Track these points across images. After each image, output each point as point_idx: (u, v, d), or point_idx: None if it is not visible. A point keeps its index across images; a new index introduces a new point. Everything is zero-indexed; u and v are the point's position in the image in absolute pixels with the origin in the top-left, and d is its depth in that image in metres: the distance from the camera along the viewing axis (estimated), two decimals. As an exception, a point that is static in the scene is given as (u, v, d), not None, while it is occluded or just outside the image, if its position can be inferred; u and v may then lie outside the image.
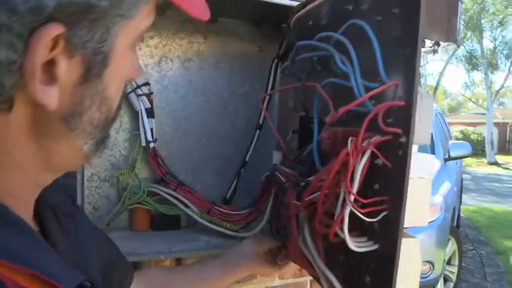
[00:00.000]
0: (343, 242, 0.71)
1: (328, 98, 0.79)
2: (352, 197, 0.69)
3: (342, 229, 0.70)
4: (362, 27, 0.73)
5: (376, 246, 0.71)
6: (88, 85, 0.45)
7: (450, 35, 0.82)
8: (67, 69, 0.43)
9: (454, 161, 5.07)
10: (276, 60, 1.23)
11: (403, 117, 0.66)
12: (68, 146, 0.48)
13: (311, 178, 0.83)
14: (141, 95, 1.20)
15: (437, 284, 3.77)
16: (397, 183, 0.66)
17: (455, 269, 4.34)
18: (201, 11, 0.54)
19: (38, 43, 0.39)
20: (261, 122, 1.30)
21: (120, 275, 0.73)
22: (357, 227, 0.72)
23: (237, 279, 1.06)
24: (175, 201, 1.21)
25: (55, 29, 0.40)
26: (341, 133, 0.75)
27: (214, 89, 1.34)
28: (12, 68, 0.38)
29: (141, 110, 1.20)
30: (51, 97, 0.42)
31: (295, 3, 1.14)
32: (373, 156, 0.70)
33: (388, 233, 0.68)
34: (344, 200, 0.70)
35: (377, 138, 0.69)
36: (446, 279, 4.23)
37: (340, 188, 0.72)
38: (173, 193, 1.21)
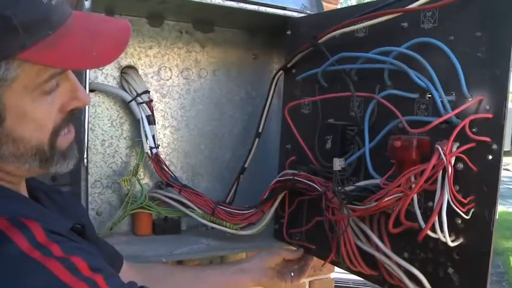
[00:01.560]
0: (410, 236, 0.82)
1: (394, 108, 0.87)
2: (448, 198, 0.77)
3: (434, 229, 0.78)
4: (435, 46, 0.82)
5: (461, 240, 0.80)
6: None
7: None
8: None
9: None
10: (280, 72, 1.25)
11: (493, 127, 0.75)
12: (10, 166, 0.64)
13: (370, 182, 0.93)
14: (141, 103, 1.24)
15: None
16: (488, 184, 0.76)
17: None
18: (97, 58, 0.64)
19: None
20: (260, 130, 1.33)
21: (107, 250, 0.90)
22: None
23: None
24: (177, 205, 1.25)
25: None
26: (417, 141, 0.82)
27: (212, 96, 1.38)
28: None
29: (142, 117, 1.24)
30: None
31: (289, 13, 1.20)
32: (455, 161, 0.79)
33: (477, 227, 0.78)
34: (440, 200, 0.77)
35: (460, 146, 0.78)
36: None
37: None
38: (175, 197, 1.25)
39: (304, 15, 1.21)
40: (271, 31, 1.33)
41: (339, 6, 1.61)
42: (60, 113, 0.65)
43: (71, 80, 0.66)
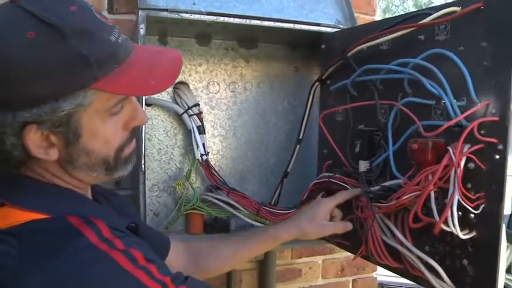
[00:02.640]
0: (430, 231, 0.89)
1: (411, 114, 0.97)
2: (458, 195, 0.85)
3: (447, 223, 0.86)
4: (447, 56, 0.90)
5: (474, 234, 0.87)
6: (71, 146, 0.72)
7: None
8: (55, 139, 0.71)
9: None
10: (317, 83, 1.37)
11: (499, 129, 0.83)
12: (82, 174, 0.77)
13: (393, 182, 1.01)
14: (192, 115, 1.38)
15: None
16: (496, 181, 0.83)
17: (515, 278, 4.27)
18: (155, 86, 0.75)
19: (27, 135, 0.68)
20: (301, 137, 1.44)
21: (155, 237, 1.02)
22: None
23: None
24: (225, 206, 1.37)
25: (32, 127, 0.68)
26: (432, 144, 0.91)
27: (257, 107, 1.51)
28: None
29: (193, 127, 1.38)
30: (52, 154, 0.71)
31: (323, 29, 1.30)
32: (466, 161, 0.87)
33: (487, 222, 0.85)
34: (452, 197, 0.85)
35: (470, 147, 0.86)
36: (506, 288, 4.18)
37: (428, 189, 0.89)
38: (224, 198, 1.37)
39: (337, 30, 1.31)
40: (310, 45, 1.43)
41: (376, 18, 1.68)
42: (124, 130, 0.78)
43: (133, 102, 0.78)
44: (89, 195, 0.85)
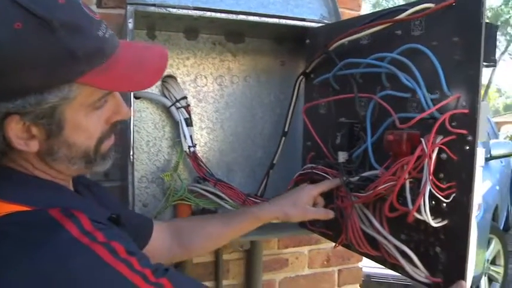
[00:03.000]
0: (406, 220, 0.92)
1: (388, 106, 1.00)
2: (429, 184, 0.89)
3: (420, 211, 0.89)
4: (421, 51, 0.94)
5: (445, 222, 0.91)
6: (52, 139, 0.73)
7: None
8: (37, 131, 0.71)
9: (499, 160, 5.06)
10: (301, 76, 1.40)
11: (469, 121, 0.86)
12: (62, 166, 0.77)
13: (372, 173, 1.04)
14: (180, 107, 1.41)
15: (479, 282, 3.80)
16: (466, 171, 0.87)
17: (500, 269, 4.32)
18: (142, 82, 0.77)
19: (8, 126, 0.69)
20: (286, 129, 1.48)
21: (137, 221, 1.05)
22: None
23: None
24: (212, 197, 1.40)
25: (13, 118, 0.68)
26: (406, 135, 0.94)
27: (244, 100, 1.54)
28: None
29: (180, 120, 1.41)
30: (32, 146, 0.72)
31: (308, 24, 1.33)
32: (438, 152, 0.90)
33: (458, 210, 0.89)
34: (424, 186, 0.89)
35: (443, 138, 0.89)
36: (491, 280, 4.23)
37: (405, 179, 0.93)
38: (211, 189, 1.41)
39: (322, 25, 1.34)
40: (296, 39, 1.46)
41: (364, 12, 1.71)
42: (106, 124, 0.78)
43: (116, 97, 0.79)
44: (70, 186, 0.85)
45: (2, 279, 0.63)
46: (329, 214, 1.16)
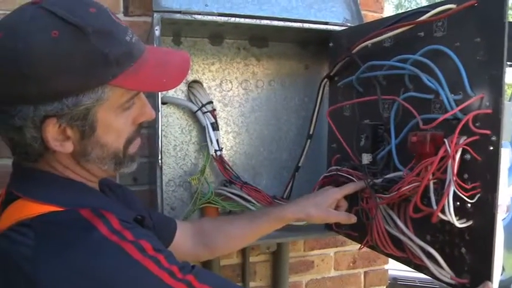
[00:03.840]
0: (430, 221, 0.92)
1: (412, 108, 1.01)
2: (453, 185, 0.89)
3: (444, 212, 0.89)
4: (444, 52, 0.94)
5: (470, 222, 0.90)
6: (86, 140, 0.77)
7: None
8: (71, 132, 0.75)
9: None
10: (325, 79, 1.41)
11: (492, 121, 0.86)
12: (93, 166, 0.81)
13: (396, 174, 1.05)
14: (206, 112, 1.43)
15: (510, 286, 3.72)
16: (490, 172, 0.87)
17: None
18: (167, 83, 0.81)
19: (46, 128, 0.73)
20: (311, 132, 1.49)
21: (160, 221, 1.08)
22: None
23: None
24: (239, 199, 1.42)
25: (51, 121, 0.72)
26: (430, 136, 0.95)
27: (269, 104, 1.56)
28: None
29: (207, 124, 1.44)
30: (67, 147, 0.76)
31: (331, 27, 1.34)
32: (462, 152, 0.91)
33: (482, 210, 0.89)
34: (448, 187, 0.89)
35: (466, 139, 0.90)
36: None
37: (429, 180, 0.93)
38: (237, 192, 1.43)
39: (345, 28, 1.35)
40: (320, 43, 1.47)
41: (388, 14, 1.71)
42: (133, 126, 0.82)
43: (142, 99, 0.83)
44: (97, 188, 0.89)
45: (37, 276, 0.67)
46: (351, 218, 1.17)
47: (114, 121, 0.78)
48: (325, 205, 1.16)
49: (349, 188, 1.19)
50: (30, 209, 0.73)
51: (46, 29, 0.68)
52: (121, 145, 0.82)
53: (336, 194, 1.18)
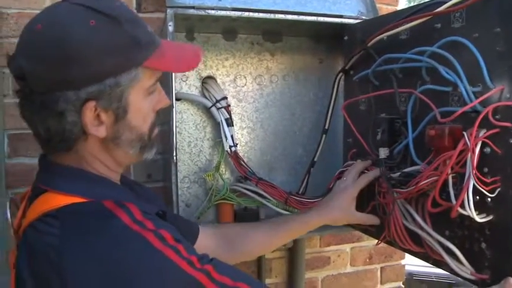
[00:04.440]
0: (449, 216, 0.91)
1: (429, 100, 0.99)
2: (473, 179, 0.87)
3: (463, 206, 0.88)
4: (462, 43, 0.92)
5: (491, 217, 0.89)
6: (119, 122, 0.81)
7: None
8: (106, 117, 0.79)
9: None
10: (341, 73, 1.40)
11: None
12: (121, 151, 0.85)
13: (413, 168, 1.03)
14: (220, 108, 1.43)
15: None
16: (511, 166, 0.85)
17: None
18: (188, 64, 0.89)
19: (85, 111, 0.77)
20: (326, 127, 1.48)
21: (184, 224, 1.08)
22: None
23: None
24: (255, 195, 1.42)
25: (90, 104, 0.77)
26: (448, 130, 0.93)
27: (283, 99, 1.55)
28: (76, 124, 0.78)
29: (221, 120, 1.43)
30: (101, 131, 0.80)
31: (345, 20, 1.33)
32: (482, 146, 0.89)
33: (503, 205, 0.87)
34: (467, 181, 0.87)
35: (486, 132, 0.88)
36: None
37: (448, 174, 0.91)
38: (253, 188, 1.42)
39: (359, 21, 1.34)
40: (334, 36, 1.46)
41: (401, 7, 1.69)
42: (153, 112, 0.87)
43: (159, 86, 0.88)
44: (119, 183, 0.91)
45: (63, 264, 0.70)
46: (374, 220, 1.19)
47: (142, 104, 0.83)
48: (348, 206, 1.18)
49: (363, 181, 1.18)
50: (56, 200, 0.77)
51: (84, 19, 0.74)
52: (146, 129, 0.86)
53: (353, 192, 1.18)
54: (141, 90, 0.82)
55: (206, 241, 1.13)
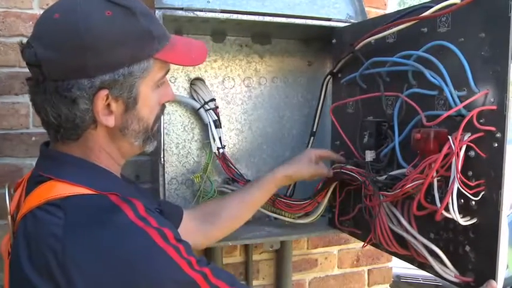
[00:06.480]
0: (434, 218, 0.92)
1: (415, 104, 1.00)
2: (457, 182, 0.88)
3: (448, 209, 0.89)
4: (447, 48, 0.93)
5: (475, 220, 0.90)
6: (128, 113, 0.83)
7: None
8: (116, 106, 0.81)
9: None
10: (329, 76, 1.41)
11: (497, 117, 0.86)
12: (126, 142, 0.87)
13: (399, 171, 1.05)
14: (208, 109, 1.43)
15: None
16: (495, 169, 0.86)
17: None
18: (197, 58, 0.92)
19: (97, 100, 0.78)
20: (314, 129, 1.48)
21: (170, 209, 1.12)
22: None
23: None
24: (241, 198, 1.41)
25: (102, 93, 0.78)
26: (434, 133, 0.94)
27: (271, 101, 1.55)
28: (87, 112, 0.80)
29: (209, 122, 1.43)
30: (110, 121, 0.81)
31: (334, 23, 1.34)
32: (466, 149, 0.90)
33: (487, 208, 0.88)
34: (452, 184, 0.88)
35: (470, 136, 0.89)
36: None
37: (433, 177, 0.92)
38: (239, 191, 1.41)
39: (348, 24, 1.34)
40: (323, 39, 1.46)
41: (391, 10, 1.70)
42: (159, 105, 0.89)
43: (166, 80, 0.90)
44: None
45: (66, 253, 0.70)
46: (329, 172, 1.29)
47: (150, 96, 0.85)
48: (307, 161, 1.27)
49: (324, 151, 1.33)
50: (60, 189, 0.77)
51: (100, 10, 0.77)
52: (152, 121, 0.88)
53: (313, 151, 1.30)
54: (150, 82, 0.84)
55: (191, 222, 1.16)
